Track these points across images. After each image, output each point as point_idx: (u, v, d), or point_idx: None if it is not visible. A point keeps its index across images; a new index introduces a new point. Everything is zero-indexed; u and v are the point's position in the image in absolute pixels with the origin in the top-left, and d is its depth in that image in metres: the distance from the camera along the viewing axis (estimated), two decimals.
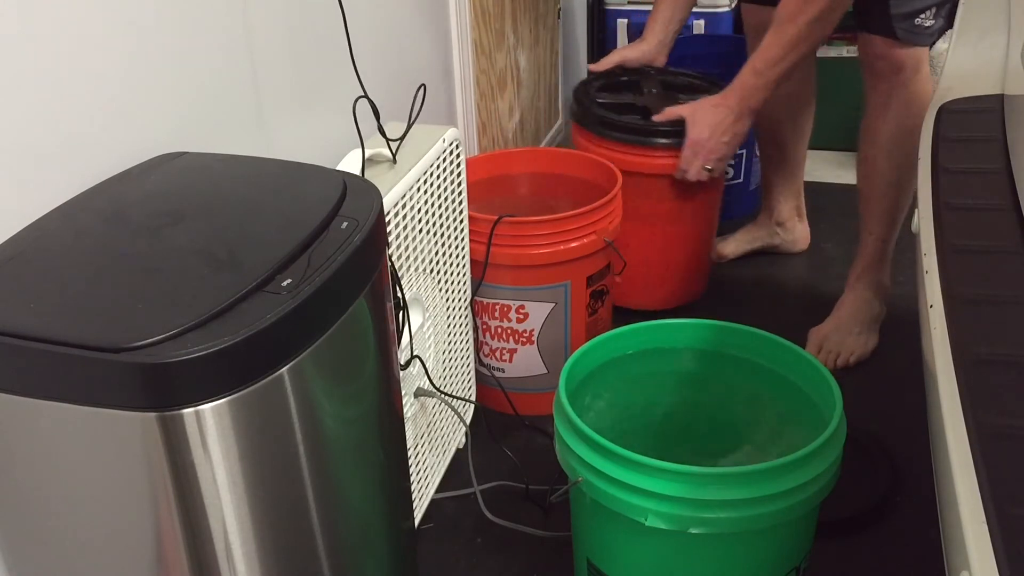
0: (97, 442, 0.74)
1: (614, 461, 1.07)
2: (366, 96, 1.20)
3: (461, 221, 1.49)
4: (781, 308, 1.98)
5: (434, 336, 1.43)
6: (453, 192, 1.43)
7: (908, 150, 1.66)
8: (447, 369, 1.51)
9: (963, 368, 0.85)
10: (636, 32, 2.69)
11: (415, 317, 1.34)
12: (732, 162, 2.23)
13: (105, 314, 0.74)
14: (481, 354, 1.69)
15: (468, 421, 1.61)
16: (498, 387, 1.67)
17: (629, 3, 2.70)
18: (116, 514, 0.78)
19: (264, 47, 1.20)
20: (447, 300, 1.48)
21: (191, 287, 0.76)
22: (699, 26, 2.57)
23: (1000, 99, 1.31)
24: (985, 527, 0.69)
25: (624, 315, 1.93)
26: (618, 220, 1.66)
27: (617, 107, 1.86)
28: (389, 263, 1.00)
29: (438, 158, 1.36)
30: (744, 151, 2.28)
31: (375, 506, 1.01)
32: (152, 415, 0.72)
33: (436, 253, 1.40)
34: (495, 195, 1.77)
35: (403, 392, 1.23)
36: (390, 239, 1.20)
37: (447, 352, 1.51)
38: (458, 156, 1.43)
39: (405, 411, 1.29)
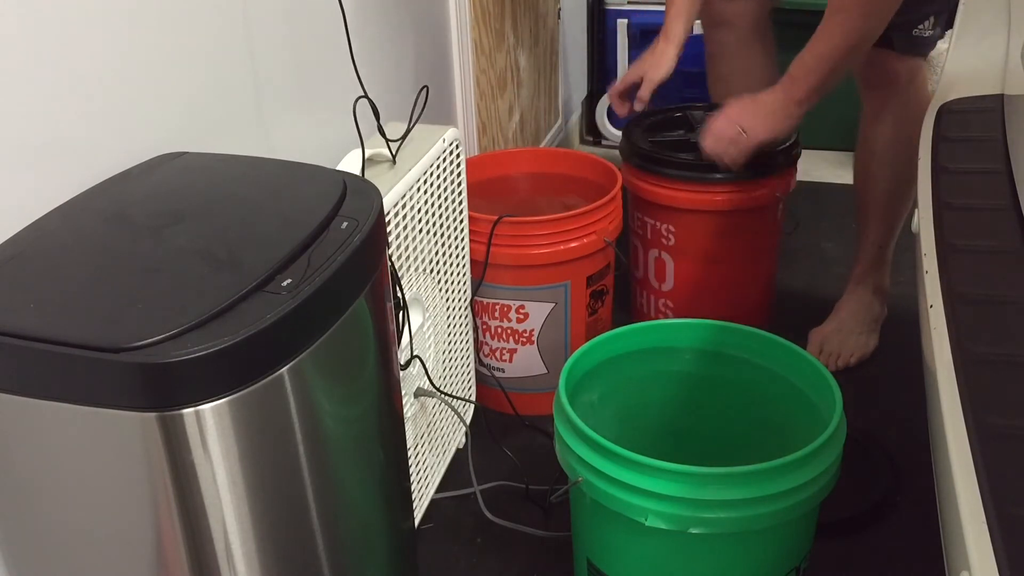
0: (97, 442, 0.74)
1: (614, 461, 1.07)
2: (366, 96, 1.20)
3: (461, 221, 1.49)
4: (781, 308, 1.98)
5: (434, 336, 1.43)
6: (453, 192, 1.43)
7: (905, 158, 1.64)
8: (447, 369, 1.51)
9: (963, 368, 0.85)
10: (636, 32, 2.69)
11: (415, 317, 1.34)
12: None
13: (105, 314, 0.74)
14: (481, 354, 1.69)
15: (468, 421, 1.61)
16: (498, 387, 1.67)
17: (629, 3, 2.70)
18: (116, 514, 0.78)
19: (264, 47, 1.20)
20: (447, 300, 1.48)
21: (191, 287, 0.76)
22: (699, 26, 2.57)
23: (1000, 99, 1.31)
24: (985, 527, 0.69)
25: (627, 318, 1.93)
26: (618, 220, 1.66)
27: (670, 144, 1.78)
28: (389, 263, 1.00)
29: (438, 158, 1.36)
30: None
31: (375, 506, 1.01)
32: (152, 415, 0.72)
33: (436, 253, 1.40)
34: (495, 195, 1.77)
35: (403, 392, 1.23)
36: (390, 239, 1.20)
37: (447, 352, 1.51)
38: (458, 156, 1.43)
39: (405, 411, 1.29)
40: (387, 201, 1.18)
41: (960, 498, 0.73)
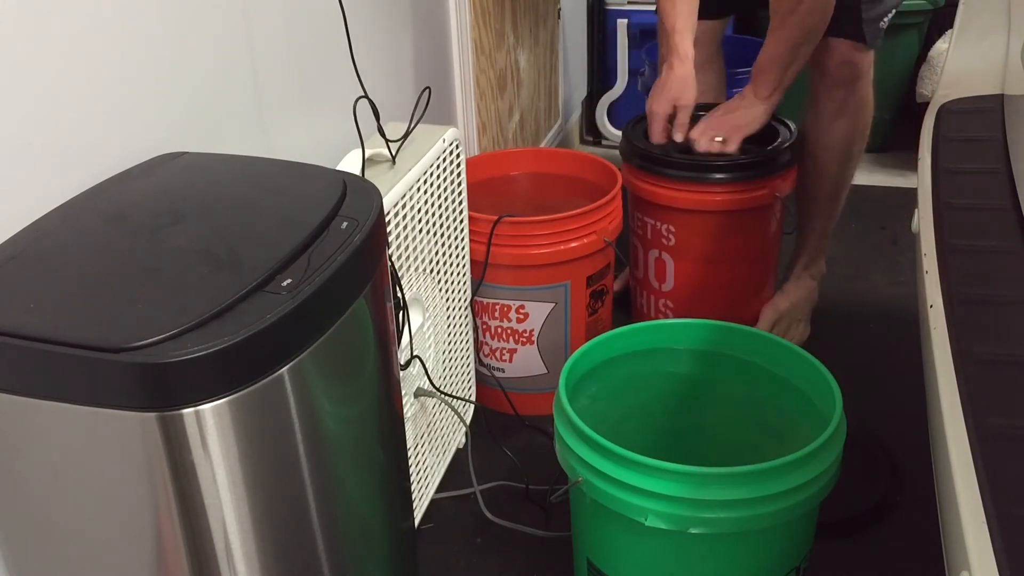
0: (97, 442, 0.74)
1: (614, 461, 1.07)
2: (366, 96, 1.20)
3: (461, 221, 1.49)
4: None
5: (434, 336, 1.43)
6: (453, 192, 1.43)
7: (857, 150, 1.78)
8: (447, 369, 1.51)
9: (963, 368, 0.85)
10: (636, 32, 2.69)
11: (415, 317, 1.34)
12: None
13: (105, 314, 0.74)
14: (481, 354, 1.69)
15: (468, 421, 1.61)
16: (498, 387, 1.67)
17: (629, 3, 2.70)
18: (116, 514, 0.78)
19: (264, 47, 1.20)
20: (447, 300, 1.48)
21: (191, 287, 0.76)
22: None
23: (1000, 99, 1.31)
24: (985, 527, 0.69)
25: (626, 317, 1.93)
26: (618, 220, 1.66)
27: (670, 144, 1.77)
28: (389, 263, 1.00)
29: (438, 158, 1.36)
30: None
31: (375, 506, 1.01)
32: (152, 415, 0.72)
33: (436, 253, 1.40)
34: (495, 195, 1.77)
35: (403, 392, 1.23)
36: (390, 239, 1.20)
37: (447, 352, 1.51)
38: (458, 156, 1.43)
39: (405, 411, 1.29)
40: (387, 201, 1.18)
41: (960, 498, 0.73)
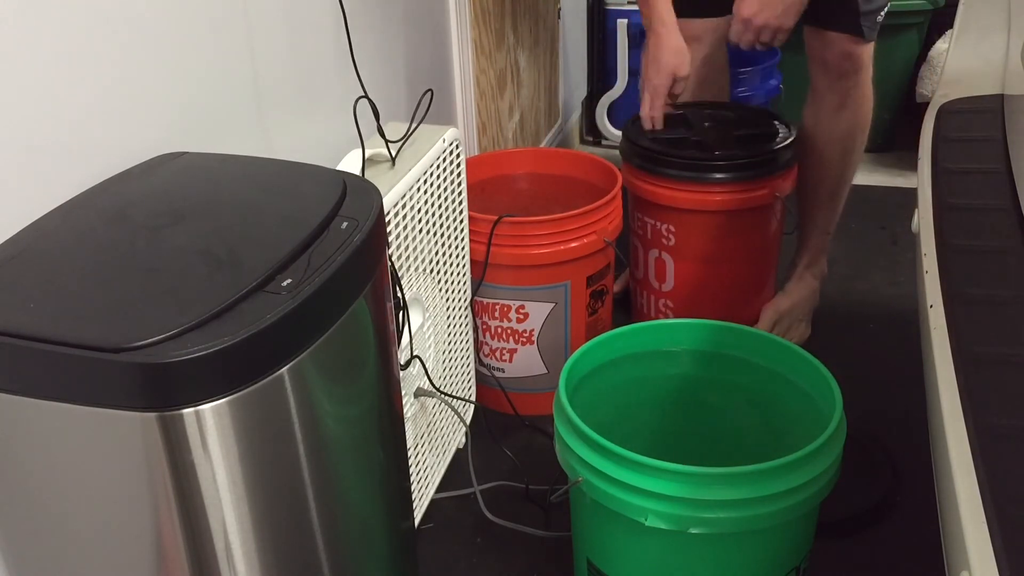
0: (97, 442, 0.74)
1: (614, 461, 1.07)
2: (366, 96, 1.20)
3: (461, 221, 1.49)
4: None
5: (434, 336, 1.43)
6: (453, 192, 1.43)
7: (859, 143, 1.77)
8: (447, 369, 1.51)
9: (963, 368, 0.85)
10: (636, 32, 2.69)
11: (415, 317, 1.34)
12: None
13: (105, 314, 0.74)
14: (481, 354, 1.69)
15: (468, 421, 1.61)
16: (498, 387, 1.67)
17: (629, 3, 2.70)
18: (116, 514, 0.78)
19: (264, 47, 1.20)
20: (447, 300, 1.48)
21: (191, 287, 0.76)
22: None
23: (1000, 99, 1.31)
24: (985, 527, 0.69)
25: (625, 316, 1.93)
26: (618, 220, 1.66)
27: (670, 143, 1.75)
28: (389, 263, 1.00)
29: (438, 158, 1.36)
30: None
31: (375, 506, 1.01)
32: (152, 415, 0.72)
33: (436, 253, 1.39)
34: (495, 195, 1.77)
35: (403, 392, 1.23)
36: (390, 239, 1.20)
37: (447, 352, 1.51)
38: (458, 156, 1.43)
39: (405, 411, 1.29)
40: (387, 201, 1.18)
41: (960, 498, 0.73)
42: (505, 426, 1.67)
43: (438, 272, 1.42)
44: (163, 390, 0.71)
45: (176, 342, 0.70)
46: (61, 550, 0.82)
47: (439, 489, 1.52)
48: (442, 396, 1.42)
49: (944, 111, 1.34)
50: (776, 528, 1.08)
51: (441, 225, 1.40)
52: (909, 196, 1.89)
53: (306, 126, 1.32)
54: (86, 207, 0.88)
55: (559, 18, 2.47)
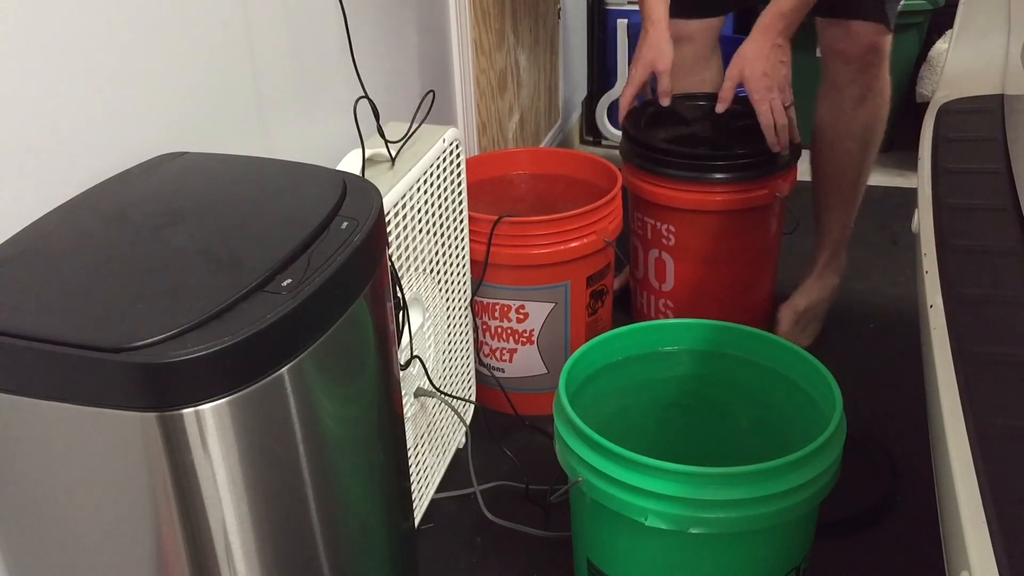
0: (97, 442, 0.74)
1: (614, 461, 1.07)
2: (366, 96, 1.20)
3: (461, 221, 1.49)
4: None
5: (434, 336, 1.43)
6: (453, 192, 1.43)
7: (878, 136, 1.77)
8: (447, 369, 1.51)
9: (963, 368, 0.85)
10: (636, 32, 2.69)
11: (415, 317, 1.34)
12: None
13: (105, 314, 0.74)
14: (481, 354, 1.69)
15: (468, 421, 1.61)
16: (498, 387, 1.67)
17: (629, 3, 2.70)
18: (116, 514, 0.78)
19: (264, 47, 1.20)
20: (447, 300, 1.48)
21: (191, 287, 0.76)
22: None
23: (1000, 99, 1.31)
24: (985, 527, 0.69)
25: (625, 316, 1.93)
26: (618, 220, 1.66)
27: (669, 142, 1.75)
28: (389, 263, 1.00)
29: (438, 158, 1.36)
30: None
31: (375, 506, 1.01)
32: (152, 415, 0.72)
33: (436, 253, 1.40)
34: (495, 195, 1.77)
35: (403, 392, 1.23)
36: (390, 239, 1.20)
37: (447, 352, 1.51)
38: (458, 156, 1.43)
39: (405, 411, 1.29)
40: (387, 201, 1.18)
41: (960, 498, 0.73)
42: (505, 426, 1.67)
43: (438, 272, 1.42)
44: (163, 390, 0.71)
45: (176, 342, 0.70)
46: (61, 550, 0.82)
47: (439, 489, 1.52)
48: (442, 396, 1.42)
49: (944, 111, 1.34)
50: (776, 528, 1.08)
51: (441, 225, 1.40)
52: (909, 196, 1.89)
53: (306, 126, 1.32)
54: (86, 207, 0.88)
55: (559, 18, 2.47)
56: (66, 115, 0.90)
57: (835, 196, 1.83)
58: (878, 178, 2.60)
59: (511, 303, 1.62)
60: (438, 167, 1.36)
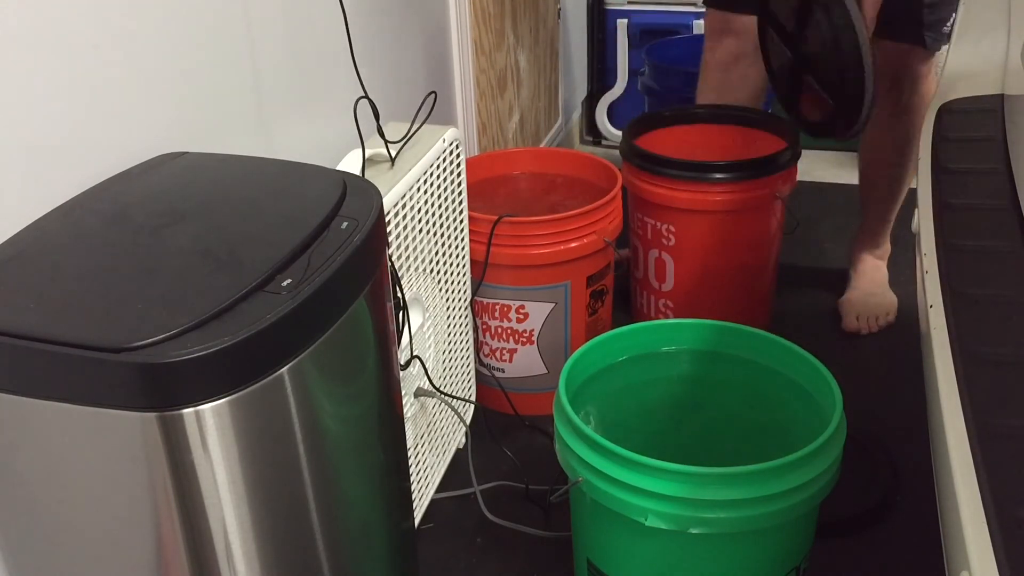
0: (97, 442, 0.74)
1: (614, 461, 1.07)
2: (366, 96, 1.20)
3: (461, 221, 1.49)
4: (781, 308, 1.97)
5: (434, 336, 1.43)
6: (453, 192, 1.43)
7: (914, 148, 1.80)
8: (447, 369, 1.51)
9: (963, 368, 0.85)
10: (636, 32, 2.69)
11: (415, 317, 1.34)
12: None
13: (105, 314, 0.74)
14: (481, 354, 1.69)
15: (468, 421, 1.61)
16: (498, 387, 1.67)
17: (629, 3, 2.70)
18: (116, 514, 0.78)
19: (264, 47, 1.20)
20: (447, 300, 1.48)
21: (191, 287, 0.76)
22: (699, 26, 2.57)
23: (1000, 99, 1.31)
24: (985, 527, 0.69)
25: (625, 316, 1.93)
26: (618, 220, 1.66)
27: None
28: (389, 263, 1.00)
29: (438, 158, 1.36)
30: None
31: (375, 506, 1.01)
32: (152, 415, 0.72)
33: (436, 253, 1.39)
34: (495, 195, 1.77)
35: (403, 392, 1.23)
36: (390, 239, 1.20)
37: (447, 352, 1.50)
38: (458, 156, 1.43)
39: (405, 411, 1.29)
40: (387, 201, 1.18)
41: (960, 498, 0.73)
42: (505, 426, 1.67)
43: (438, 272, 1.42)
44: (163, 390, 0.71)
45: (176, 342, 0.70)
46: (61, 550, 0.82)
47: (439, 489, 1.52)
48: (442, 396, 1.42)
49: (944, 111, 1.34)
50: (776, 528, 1.08)
51: (441, 225, 1.40)
52: (909, 196, 1.90)
53: (306, 126, 1.32)
54: (86, 207, 0.88)
55: (559, 18, 2.47)
56: (66, 115, 0.90)
57: (873, 194, 1.92)
58: None
59: (511, 303, 1.62)
60: (438, 167, 1.36)
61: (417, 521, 1.42)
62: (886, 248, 2.01)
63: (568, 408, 1.13)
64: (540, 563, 1.40)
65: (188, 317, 0.72)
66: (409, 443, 1.33)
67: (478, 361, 1.69)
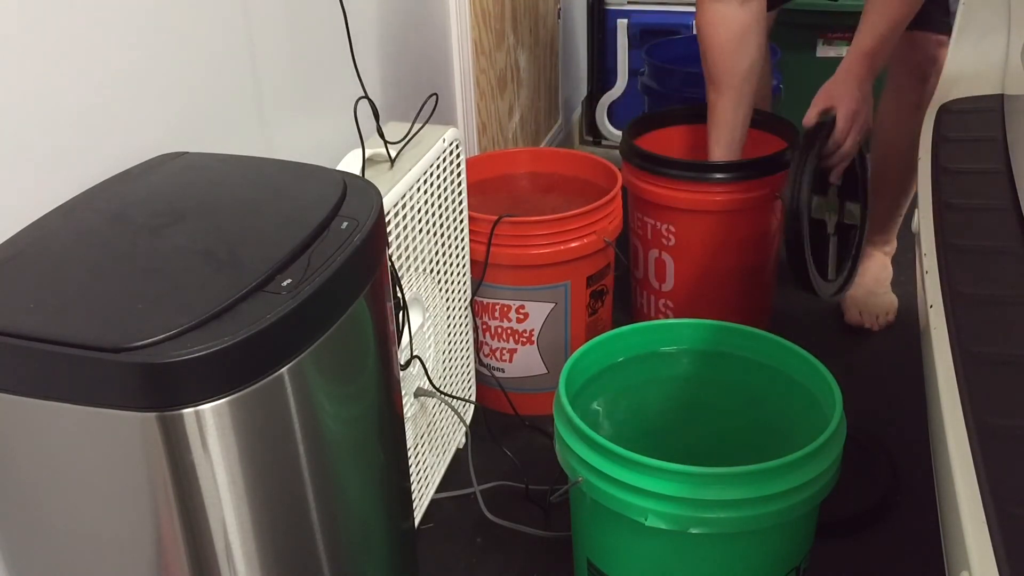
0: (97, 442, 0.74)
1: (614, 461, 1.07)
2: (366, 96, 1.20)
3: (461, 221, 1.49)
4: (781, 307, 1.97)
5: (434, 336, 1.43)
6: (453, 192, 1.43)
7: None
8: (447, 369, 1.51)
9: (963, 368, 0.85)
10: (636, 32, 2.69)
11: (415, 317, 1.34)
12: None
13: (105, 314, 0.74)
14: (481, 354, 1.69)
15: (468, 421, 1.61)
16: (498, 387, 1.67)
17: (629, 3, 2.69)
18: (116, 514, 0.78)
19: (265, 47, 1.20)
20: (447, 300, 1.48)
21: (191, 287, 0.76)
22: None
23: (1000, 99, 1.31)
24: (985, 527, 0.69)
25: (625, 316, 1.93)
26: (618, 220, 1.66)
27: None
28: (389, 263, 1.00)
29: (438, 158, 1.36)
30: None
31: (375, 506, 1.01)
32: (152, 415, 0.72)
33: (436, 253, 1.39)
34: (495, 195, 1.77)
35: (403, 392, 1.23)
36: (390, 239, 1.20)
37: (447, 352, 1.50)
38: (458, 156, 1.43)
39: (405, 411, 1.29)
40: (387, 201, 1.18)
41: (960, 498, 0.73)
42: (505, 426, 1.67)
43: (438, 272, 1.42)
44: (163, 390, 0.71)
45: (176, 342, 0.70)
46: (61, 550, 0.82)
47: (439, 489, 1.52)
48: (442, 396, 1.42)
49: (944, 111, 1.34)
50: (776, 528, 1.08)
51: (441, 225, 1.40)
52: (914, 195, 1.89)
53: (306, 126, 1.32)
54: (86, 207, 0.88)
55: (559, 18, 2.47)
56: (66, 115, 0.90)
57: (884, 186, 1.89)
58: None
59: (511, 303, 1.62)
60: (438, 167, 1.36)
61: (417, 521, 1.42)
62: (893, 245, 2.00)
63: (568, 408, 1.13)
64: (540, 563, 1.40)
65: (188, 317, 0.72)
66: (409, 443, 1.33)
67: (478, 361, 1.69)
